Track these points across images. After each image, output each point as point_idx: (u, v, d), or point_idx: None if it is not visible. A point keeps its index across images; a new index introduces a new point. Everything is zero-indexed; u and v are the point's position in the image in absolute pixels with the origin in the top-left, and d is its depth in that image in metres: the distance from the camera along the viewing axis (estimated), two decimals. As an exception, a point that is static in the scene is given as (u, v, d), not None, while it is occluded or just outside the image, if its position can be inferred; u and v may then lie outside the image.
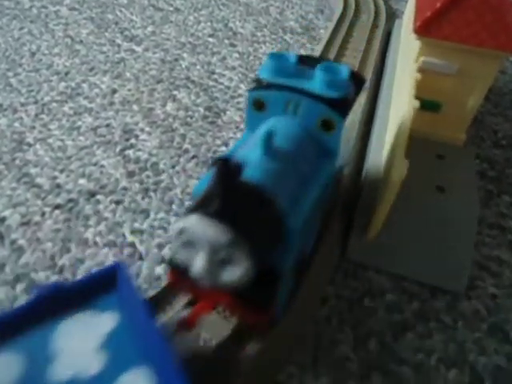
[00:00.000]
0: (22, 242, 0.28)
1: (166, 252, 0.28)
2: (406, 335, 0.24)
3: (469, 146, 0.35)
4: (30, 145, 0.36)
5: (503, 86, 0.48)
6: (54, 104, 0.41)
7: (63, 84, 0.44)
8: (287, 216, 0.17)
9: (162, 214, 0.31)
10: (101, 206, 0.31)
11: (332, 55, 0.48)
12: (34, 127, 0.38)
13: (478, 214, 0.29)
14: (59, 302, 0.14)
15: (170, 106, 0.42)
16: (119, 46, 0.51)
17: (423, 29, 0.29)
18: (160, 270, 0.27)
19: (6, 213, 0.30)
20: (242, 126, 0.40)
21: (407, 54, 0.37)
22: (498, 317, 0.26)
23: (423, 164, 0.32)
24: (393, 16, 0.61)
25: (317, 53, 0.48)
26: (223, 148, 0.37)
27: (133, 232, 0.29)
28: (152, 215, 0.31)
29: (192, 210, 0.16)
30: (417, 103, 0.27)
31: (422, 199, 0.30)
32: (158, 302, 0.23)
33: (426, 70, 0.31)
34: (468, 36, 0.29)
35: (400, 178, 0.23)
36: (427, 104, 0.32)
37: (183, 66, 0.48)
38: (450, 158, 0.33)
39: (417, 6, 0.32)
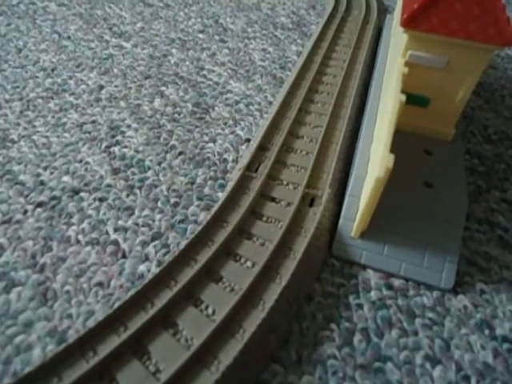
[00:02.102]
0: (2, 240, 0.28)
1: (150, 250, 0.28)
2: (392, 332, 0.24)
3: (459, 141, 0.35)
4: (13, 142, 0.36)
5: (494, 82, 0.48)
6: (40, 100, 0.41)
7: (49, 80, 0.43)
8: None
9: (146, 212, 0.30)
10: (84, 204, 0.31)
11: (323, 51, 0.48)
12: (18, 124, 0.38)
13: (467, 209, 0.29)
14: None
15: (157, 102, 0.41)
16: (107, 42, 0.51)
17: (410, 21, 0.28)
18: (143, 267, 0.27)
19: (-12, 211, 0.30)
20: (231, 122, 0.39)
21: (396, 49, 0.36)
22: (486, 313, 0.25)
23: (410, 159, 0.32)
24: (384, 12, 0.61)
25: (307, 48, 0.48)
26: (210, 144, 0.37)
27: (116, 230, 0.29)
28: (137, 212, 0.30)
29: None
30: (403, 97, 0.26)
31: (410, 195, 0.30)
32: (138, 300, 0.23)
33: (413, 64, 0.30)
34: (456, 29, 0.28)
35: (385, 173, 0.23)
36: (415, 99, 0.32)
37: (172, 61, 0.48)
38: (438, 153, 0.33)
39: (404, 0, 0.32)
